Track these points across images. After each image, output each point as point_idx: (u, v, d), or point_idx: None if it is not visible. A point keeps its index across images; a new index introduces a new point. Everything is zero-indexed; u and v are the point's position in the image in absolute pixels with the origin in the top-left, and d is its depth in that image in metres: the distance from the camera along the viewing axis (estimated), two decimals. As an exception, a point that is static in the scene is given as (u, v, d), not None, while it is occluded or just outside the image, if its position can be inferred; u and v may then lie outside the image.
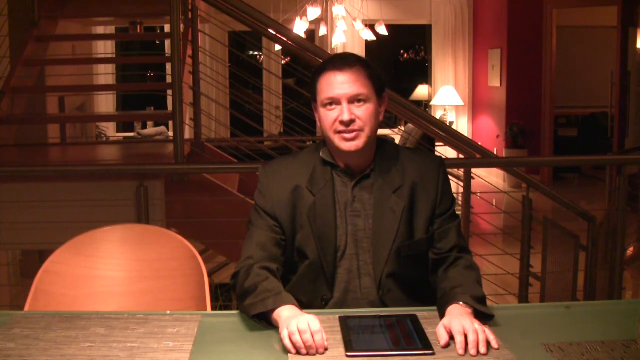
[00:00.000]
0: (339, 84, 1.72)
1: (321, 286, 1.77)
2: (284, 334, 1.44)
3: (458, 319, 1.48)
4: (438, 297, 1.67)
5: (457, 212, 1.89)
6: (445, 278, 1.71)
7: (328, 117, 1.74)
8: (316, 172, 1.79)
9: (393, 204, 1.75)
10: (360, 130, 1.72)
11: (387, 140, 1.87)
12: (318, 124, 1.81)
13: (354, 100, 1.72)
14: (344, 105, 1.71)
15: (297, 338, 1.42)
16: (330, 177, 1.79)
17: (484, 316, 1.55)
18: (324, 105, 1.75)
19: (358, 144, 1.73)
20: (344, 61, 1.74)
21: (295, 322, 1.45)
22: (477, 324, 1.46)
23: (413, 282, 1.79)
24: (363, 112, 1.73)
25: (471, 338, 1.42)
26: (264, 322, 1.56)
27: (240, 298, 1.65)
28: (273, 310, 1.54)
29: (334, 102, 1.73)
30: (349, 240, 1.76)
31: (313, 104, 1.82)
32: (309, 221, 1.75)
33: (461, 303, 1.56)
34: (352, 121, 1.71)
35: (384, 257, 1.74)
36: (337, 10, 7.52)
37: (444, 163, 1.86)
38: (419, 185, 1.78)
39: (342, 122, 1.71)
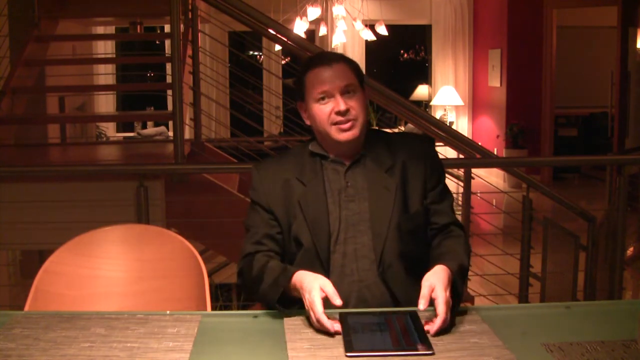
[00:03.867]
0: (329, 78, 1.80)
1: (317, 272, 1.78)
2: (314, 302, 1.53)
3: (439, 283, 1.56)
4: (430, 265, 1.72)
5: (457, 213, 1.91)
6: (438, 246, 1.82)
7: (322, 110, 1.81)
8: (306, 165, 1.87)
9: (386, 183, 1.83)
10: (355, 119, 1.81)
11: (373, 128, 1.97)
12: (307, 122, 1.88)
13: (344, 91, 1.80)
14: (338, 96, 1.80)
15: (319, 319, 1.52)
16: (320, 167, 1.86)
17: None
18: (317, 101, 1.82)
19: (355, 132, 1.81)
20: (328, 57, 1.85)
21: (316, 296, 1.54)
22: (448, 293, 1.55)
23: (413, 258, 1.83)
24: (355, 102, 1.81)
25: (439, 320, 1.50)
26: (283, 307, 1.64)
27: (254, 287, 1.72)
28: (290, 281, 1.64)
29: (327, 95, 1.80)
30: (343, 226, 1.81)
31: (299, 104, 1.89)
32: (301, 209, 1.82)
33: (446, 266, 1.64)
34: (347, 110, 1.79)
35: (384, 234, 1.79)
36: (337, 10, 7.53)
37: (431, 140, 1.92)
38: (408, 163, 1.86)
39: (338, 113, 1.79)
